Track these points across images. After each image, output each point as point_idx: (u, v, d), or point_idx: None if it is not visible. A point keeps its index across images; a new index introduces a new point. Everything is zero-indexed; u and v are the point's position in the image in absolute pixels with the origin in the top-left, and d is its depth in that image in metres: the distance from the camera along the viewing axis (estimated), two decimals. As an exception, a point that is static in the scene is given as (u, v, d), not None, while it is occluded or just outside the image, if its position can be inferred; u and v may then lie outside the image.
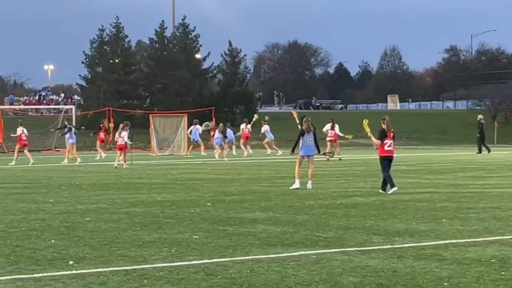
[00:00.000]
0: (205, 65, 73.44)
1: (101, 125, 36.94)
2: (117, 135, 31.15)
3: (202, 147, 42.66)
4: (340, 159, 33.04)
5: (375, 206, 14.70)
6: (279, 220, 12.72)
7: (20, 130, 33.97)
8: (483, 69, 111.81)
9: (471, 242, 10.30)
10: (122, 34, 70.53)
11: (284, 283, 7.76)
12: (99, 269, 8.53)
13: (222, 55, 75.06)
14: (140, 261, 9.04)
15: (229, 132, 38.76)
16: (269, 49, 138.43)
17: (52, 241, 10.59)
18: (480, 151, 40.30)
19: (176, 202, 15.86)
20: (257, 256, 9.28)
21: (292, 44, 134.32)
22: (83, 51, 69.79)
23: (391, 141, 17.77)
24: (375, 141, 17.88)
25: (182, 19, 72.94)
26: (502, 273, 8.27)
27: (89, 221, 12.75)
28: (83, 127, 44.13)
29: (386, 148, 17.72)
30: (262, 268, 8.55)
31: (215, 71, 74.28)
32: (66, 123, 36.94)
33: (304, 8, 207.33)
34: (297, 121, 19.86)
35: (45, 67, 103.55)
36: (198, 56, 73.34)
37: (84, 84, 70.94)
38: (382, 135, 17.71)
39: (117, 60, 70.19)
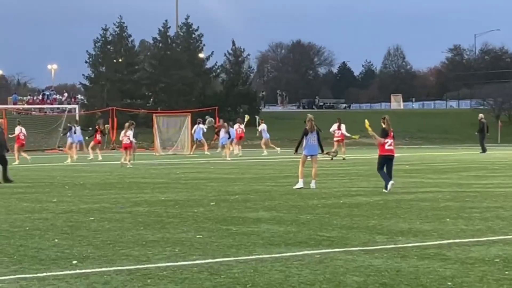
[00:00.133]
0: (209, 64, 73.63)
1: (97, 127, 36.93)
2: (122, 134, 31.20)
3: (206, 147, 42.70)
4: (344, 159, 33.05)
5: (379, 206, 14.69)
6: (283, 219, 12.72)
7: (18, 129, 33.94)
8: (487, 69, 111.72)
9: (474, 242, 10.28)
10: (125, 33, 70.62)
11: (288, 283, 7.76)
12: (103, 269, 8.53)
13: (225, 55, 75.23)
14: (143, 260, 9.04)
15: (232, 131, 38.85)
16: (272, 49, 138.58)
17: (56, 240, 10.59)
18: (483, 150, 40.23)
19: (180, 201, 15.86)
20: (260, 256, 9.28)
21: (295, 43, 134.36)
22: (87, 51, 69.99)
23: (392, 140, 17.87)
24: (380, 139, 17.90)
25: (186, 19, 73.11)
26: (506, 272, 8.25)
27: (93, 220, 12.76)
28: (90, 128, 44.13)
29: (386, 147, 17.77)
30: (266, 267, 8.54)
31: (218, 71, 74.38)
32: (69, 124, 37.08)
33: (308, 8, 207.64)
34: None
35: (49, 66, 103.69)
36: (201, 55, 73.39)
37: (88, 84, 71.06)
38: (384, 134, 17.78)
39: (120, 60, 70.28)
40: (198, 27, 72.75)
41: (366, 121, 18.14)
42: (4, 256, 9.38)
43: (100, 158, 35.38)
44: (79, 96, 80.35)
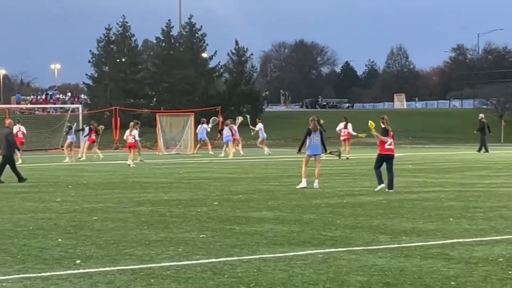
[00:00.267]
0: (212, 64, 73.58)
1: (91, 126, 36.95)
2: (127, 133, 31.23)
3: (209, 146, 42.72)
4: (347, 158, 33.04)
5: (382, 205, 14.69)
6: (286, 219, 12.72)
7: (17, 128, 33.94)
8: (490, 68, 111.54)
9: (478, 241, 10.28)
10: (128, 33, 70.58)
11: (291, 282, 7.76)
12: (106, 268, 8.53)
13: (228, 54, 75.13)
14: (147, 260, 9.05)
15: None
16: (275, 48, 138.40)
17: (59, 240, 10.60)
18: (486, 150, 40.19)
19: (183, 201, 15.87)
20: (264, 255, 9.28)
21: (298, 43, 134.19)
22: (90, 50, 69.96)
23: (391, 139, 17.98)
24: (383, 139, 17.93)
25: (189, 18, 73.03)
26: (510, 272, 8.25)
27: (96, 220, 12.77)
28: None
29: (386, 146, 17.88)
30: (269, 267, 8.55)
31: (221, 70, 74.33)
32: (69, 124, 37.16)
33: (311, 7, 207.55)
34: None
35: (52, 66, 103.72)
36: (204, 55, 73.37)
37: (91, 83, 71.04)
38: (385, 134, 17.90)
39: (123, 59, 70.27)
40: (201, 26, 72.78)
41: (370, 122, 18.14)
42: (7, 256, 9.40)
43: (101, 156, 35.42)
44: (82, 96, 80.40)
